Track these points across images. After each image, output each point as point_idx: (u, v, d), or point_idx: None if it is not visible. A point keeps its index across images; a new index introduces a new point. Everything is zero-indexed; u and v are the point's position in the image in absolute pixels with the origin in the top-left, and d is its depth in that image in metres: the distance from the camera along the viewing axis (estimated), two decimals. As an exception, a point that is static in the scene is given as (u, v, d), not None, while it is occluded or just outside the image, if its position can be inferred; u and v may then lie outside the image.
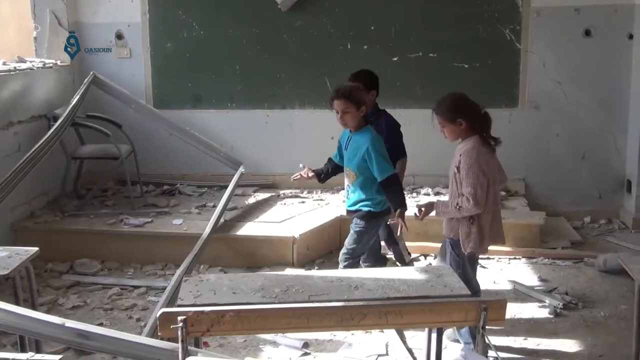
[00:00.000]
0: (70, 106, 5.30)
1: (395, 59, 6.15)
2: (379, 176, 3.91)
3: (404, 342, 3.86)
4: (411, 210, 3.90)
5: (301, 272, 3.92)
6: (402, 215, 3.89)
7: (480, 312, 2.53)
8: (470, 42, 6.07)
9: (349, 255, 4.08)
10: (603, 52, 5.95)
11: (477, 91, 6.04)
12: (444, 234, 3.70)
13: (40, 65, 5.86)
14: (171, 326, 2.42)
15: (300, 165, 4.31)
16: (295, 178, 4.32)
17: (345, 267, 4.05)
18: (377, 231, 4.23)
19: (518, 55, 6.05)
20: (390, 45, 6.14)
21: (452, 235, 3.60)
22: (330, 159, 4.33)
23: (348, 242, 4.11)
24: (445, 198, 5.75)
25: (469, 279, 3.48)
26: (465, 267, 3.57)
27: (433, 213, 3.65)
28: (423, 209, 3.66)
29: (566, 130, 6.10)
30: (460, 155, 3.61)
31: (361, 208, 4.05)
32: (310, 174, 4.26)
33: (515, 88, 6.10)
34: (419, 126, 6.19)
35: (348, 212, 4.18)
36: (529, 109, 6.10)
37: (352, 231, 4.11)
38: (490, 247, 5.09)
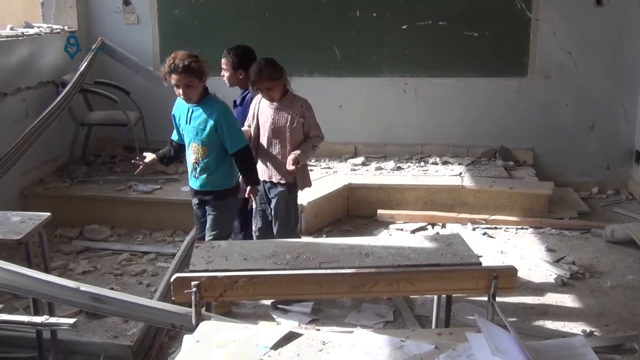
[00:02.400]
0: (79, 72, 5.30)
1: (404, 27, 6.10)
2: (232, 148, 3.64)
3: (412, 310, 3.90)
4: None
5: (310, 239, 3.92)
6: (253, 192, 3.75)
7: (491, 280, 2.55)
8: (480, 10, 6.01)
9: (215, 240, 3.62)
10: (614, 21, 5.89)
11: (487, 60, 6.08)
12: (275, 180, 3.92)
13: (48, 30, 5.83)
14: (185, 291, 2.44)
15: (144, 154, 3.96)
16: (138, 171, 4.00)
17: None
18: (237, 204, 3.91)
19: (528, 24, 5.99)
20: (399, 13, 6.08)
21: (286, 180, 3.91)
22: (170, 141, 3.92)
23: (211, 228, 3.76)
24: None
25: (297, 213, 4.09)
26: (297, 204, 4.05)
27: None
28: (292, 166, 3.76)
29: (575, 100, 6.07)
30: (302, 107, 3.89)
31: (216, 188, 3.73)
32: (149, 160, 3.89)
33: (524, 57, 6.05)
34: (427, 95, 6.22)
35: (197, 192, 3.79)
36: (539, 78, 6.05)
37: (212, 215, 3.76)
38: (498, 217, 5.19)
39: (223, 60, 4.23)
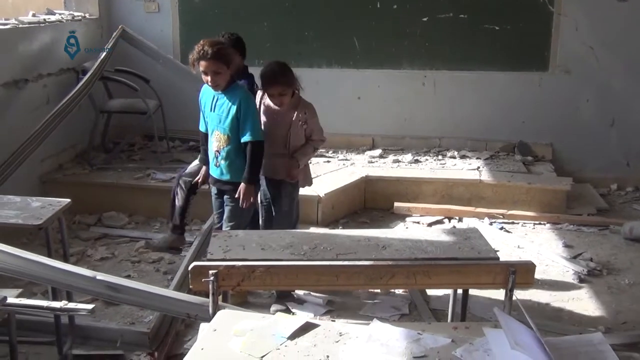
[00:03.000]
0: (99, 60, 5.32)
1: (425, 19, 6.06)
2: (245, 136, 3.58)
3: (427, 303, 3.90)
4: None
5: (327, 230, 3.93)
6: (245, 191, 3.61)
7: (509, 275, 2.54)
8: (502, 3, 5.97)
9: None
10: (637, 17, 5.81)
11: (507, 54, 6.04)
12: (275, 178, 3.87)
13: (70, 17, 5.86)
14: (202, 279, 2.45)
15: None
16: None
17: None
18: (257, 195, 3.84)
19: (550, 18, 5.94)
20: (420, 5, 6.04)
21: (288, 178, 3.85)
22: (201, 135, 3.91)
23: (228, 219, 3.75)
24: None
25: (298, 210, 4.05)
26: (298, 200, 4.00)
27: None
28: (294, 171, 3.80)
29: (596, 96, 6.01)
30: (306, 112, 3.81)
31: (235, 180, 3.68)
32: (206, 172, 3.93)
33: (546, 52, 6.00)
34: (446, 88, 6.19)
35: (216, 181, 3.78)
36: (560, 73, 6.00)
37: (230, 207, 3.74)
38: (515, 212, 5.16)
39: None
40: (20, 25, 5.18)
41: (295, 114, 3.78)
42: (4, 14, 5.54)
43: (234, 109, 3.60)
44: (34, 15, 5.63)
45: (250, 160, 3.62)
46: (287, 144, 3.81)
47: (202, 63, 3.52)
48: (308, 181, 4.07)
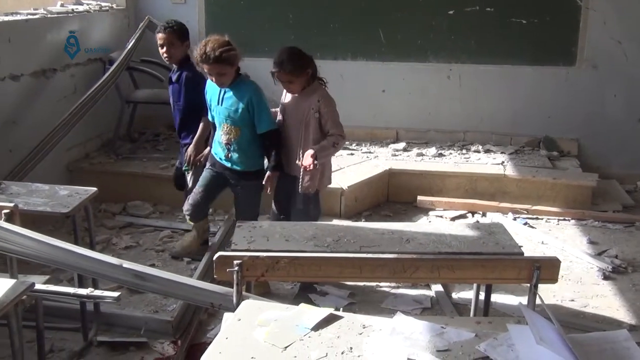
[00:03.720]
0: (126, 50, 5.36)
1: (451, 12, 6.02)
2: (261, 128, 3.71)
3: (450, 297, 3.89)
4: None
5: (351, 223, 3.93)
6: (271, 178, 3.76)
7: (533, 271, 2.53)
8: (530, -3, 5.93)
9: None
10: (667, 12, 5.75)
11: (534, 48, 5.98)
12: (291, 174, 3.81)
13: (97, 7, 5.91)
14: (227, 269, 2.47)
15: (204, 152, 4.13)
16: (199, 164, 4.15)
17: None
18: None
19: (578, 12, 5.87)
20: (446, -2, 6.02)
21: (302, 167, 3.70)
22: (212, 123, 3.98)
23: (240, 210, 3.86)
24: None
25: (320, 211, 3.94)
26: (317, 198, 3.87)
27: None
28: (311, 162, 3.58)
29: (624, 91, 5.93)
30: (320, 100, 3.69)
31: (249, 169, 3.81)
32: (207, 152, 4.05)
33: (573, 46, 5.93)
34: (472, 82, 6.15)
35: (227, 169, 3.85)
36: (587, 68, 5.93)
37: (242, 197, 3.86)
38: (540, 207, 5.12)
39: (162, 36, 4.25)
40: (49, 15, 5.24)
41: (308, 103, 3.72)
42: (32, 4, 5.60)
43: (244, 102, 3.68)
44: (62, 5, 5.68)
45: (275, 149, 3.75)
46: (300, 137, 3.74)
47: (205, 66, 3.60)
48: (326, 180, 3.94)
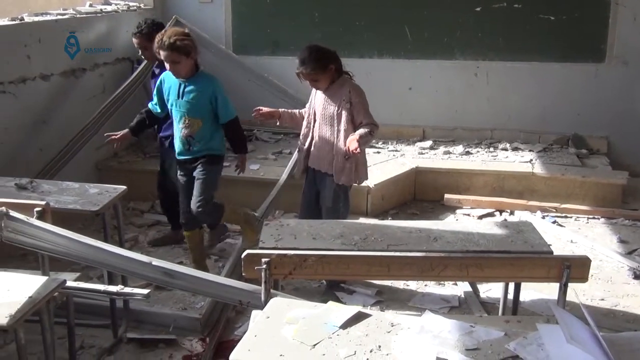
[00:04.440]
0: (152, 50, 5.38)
1: (478, 8, 5.98)
2: (224, 118, 3.83)
3: (477, 296, 3.87)
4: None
5: (378, 221, 3.92)
6: (243, 160, 4.03)
7: (563, 270, 2.51)
8: (558, -7, 5.86)
9: (205, 202, 3.84)
10: (699, 7, 5.65)
11: (563, 45, 5.92)
12: (323, 170, 3.82)
13: (125, 7, 5.97)
14: (255, 267, 2.48)
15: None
16: (114, 146, 4.24)
17: (206, 212, 3.85)
18: (220, 173, 4.05)
19: (608, 8, 5.79)
20: (474, -6, 5.98)
21: (346, 152, 3.66)
22: (146, 111, 4.08)
23: (201, 190, 3.83)
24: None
25: (349, 209, 3.94)
26: (347, 196, 3.87)
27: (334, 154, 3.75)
28: (356, 145, 3.48)
29: (655, 88, 5.86)
30: (350, 92, 3.70)
31: (209, 153, 3.88)
32: (122, 134, 4.05)
33: (603, 43, 5.85)
34: (499, 79, 6.11)
35: (187, 161, 3.88)
36: (617, 64, 5.85)
37: (202, 178, 3.84)
38: (569, 206, 5.06)
39: (139, 40, 4.36)
40: (78, 15, 5.30)
41: (339, 96, 3.70)
42: (62, 4, 5.67)
43: (206, 95, 3.76)
44: (91, 5, 5.74)
45: (240, 134, 3.98)
46: (334, 131, 3.72)
47: (161, 52, 3.66)
48: (363, 175, 3.89)
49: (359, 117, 3.68)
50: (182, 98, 3.78)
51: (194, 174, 3.88)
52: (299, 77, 3.72)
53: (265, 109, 3.96)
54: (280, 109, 4.03)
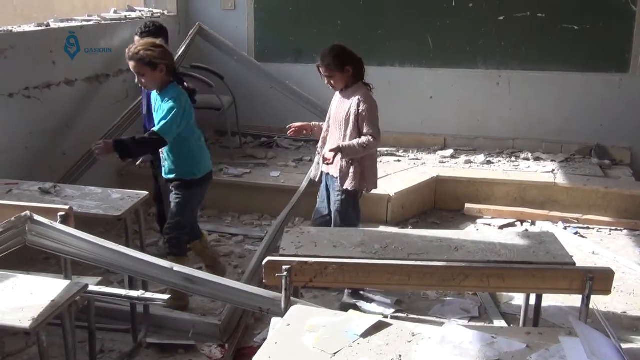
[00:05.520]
0: (177, 56, 5.42)
1: (501, 18, 5.96)
2: (155, 128, 3.50)
3: (498, 306, 3.84)
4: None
5: (398, 230, 3.91)
6: (107, 146, 3.41)
7: (586, 282, 2.48)
8: (582, 3, 5.80)
9: (171, 228, 3.70)
10: None
11: (586, 54, 5.88)
12: (331, 174, 3.84)
13: (149, 14, 6.02)
14: (276, 274, 2.48)
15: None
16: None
17: (169, 240, 3.71)
18: (200, 199, 3.90)
19: (632, 18, 5.74)
20: (496, 4, 5.94)
21: (336, 175, 3.80)
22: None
23: (170, 214, 3.76)
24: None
25: (359, 215, 3.92)
26: (356, 202, 3.86)
27: (338, 157, 3.71)
28: (332, 153, 3.62)
29: (679, 98, 5.79)
30: (360, 99, 3.68)
31: (179, 177, 3.71)
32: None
33: (627, 53, 5.81)
34: (522, 89, 6.08)
35: (167, 180, 3.80)
36: (641, 75, 5.82)
37: (173, 203, 3.75)
38: (591, 217, 5.02)
39: (140, 39, 4.08)
40: (103, 22, 5.36)
41: (350, 101, 3.72)
42: (86, 11, 5.74)
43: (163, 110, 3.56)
44: (115, 12, 5.80)
45: (141, 139, 3.54)
46: (342, 135, 3.74)
47: (129, 62, 3.54)
48: (368, 184, 3.85)
49: (363, 126, 3.71)
50: (156, 112, 3.66)
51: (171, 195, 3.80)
52: (319, 71, 3.77)
53: (296, 125, 3.99)
54: (311, 123, 4.05)
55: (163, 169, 3.79)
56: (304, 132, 4.03)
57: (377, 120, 3.73)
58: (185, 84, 3.80)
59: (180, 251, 3.74)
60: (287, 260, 2.52)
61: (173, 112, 3.50)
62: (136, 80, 3.60)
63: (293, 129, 4.00)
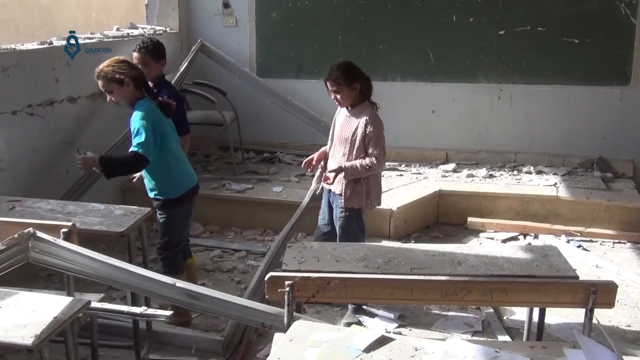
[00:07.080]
0: (179, 73, 5.46)
1: (501, 32, 5.98)
2: (132, 147, 3.36)
3: (501, 320, 3.83)
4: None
5: (401, 244, 3.91)
6: (92, 162, 3.36)
7: (589, 295, 2.48)
8: (582, 16, 5.82)
9: (162, 249, 3.69)
10: None
11: (587, 68, 5.90)
12: (334, 191, 3.83)
13: (151, 31, 6.06)
14: (278, 290, 2.48)
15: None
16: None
17: (162, 260, 3.70)
18: (185, 217, 3.76)
19: (633, 30, 5.76)
20: (496, 18, 5.96)
21: (338, 192, 3.80)
22: None
23: (158, 235, 3.73)
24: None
25: (363, 230, 3.91)
26: (360, 218, 3.85)
27: (341, 176, 3.72)
28: (333, 174, 3.68)
29: (681, 111, 5.80)
30: (367, 120, 3.69)
31: (158, 197, 3.62)
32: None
33: (628, 65, 5.82)
34: (523, 102, 6.10)
35: (152, 199, 3.70)
36: (642, 87, 5.83)
37: (160, 223, 3.71)
38: (594, 230, 5.01)
39: (137, 55, 4.11)
40: (105, 40, 5.39)
41: (357, 121, 3.72)
42: (89, 28, 5.77)
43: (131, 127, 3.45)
44: (118, 29, 5.84)
45: (123, 158, 3.46)
46: (347, 154, 3.73)
47: (98, 83, 3.44)
48: (369, 201, 3.84)
49: (368, 147, 3.71)
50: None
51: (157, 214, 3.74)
52: (326, 86, 3.77)
53: (313, 157, 4.00)
54: (322, 149, 4.04)
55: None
56: (321, 160, 4.02)
57: (383, 142, 3.73)
58: (160, 97, 3.67)
59: (176, 269, 3.70)
60: (290, 276, 2.52)
61: (144, 129, 3.36)
62: (108, 99, 3.50)
63: (309, 163, 4.00)
